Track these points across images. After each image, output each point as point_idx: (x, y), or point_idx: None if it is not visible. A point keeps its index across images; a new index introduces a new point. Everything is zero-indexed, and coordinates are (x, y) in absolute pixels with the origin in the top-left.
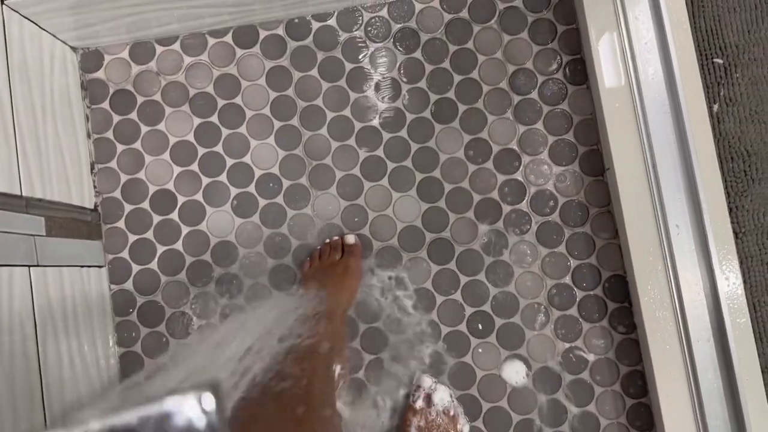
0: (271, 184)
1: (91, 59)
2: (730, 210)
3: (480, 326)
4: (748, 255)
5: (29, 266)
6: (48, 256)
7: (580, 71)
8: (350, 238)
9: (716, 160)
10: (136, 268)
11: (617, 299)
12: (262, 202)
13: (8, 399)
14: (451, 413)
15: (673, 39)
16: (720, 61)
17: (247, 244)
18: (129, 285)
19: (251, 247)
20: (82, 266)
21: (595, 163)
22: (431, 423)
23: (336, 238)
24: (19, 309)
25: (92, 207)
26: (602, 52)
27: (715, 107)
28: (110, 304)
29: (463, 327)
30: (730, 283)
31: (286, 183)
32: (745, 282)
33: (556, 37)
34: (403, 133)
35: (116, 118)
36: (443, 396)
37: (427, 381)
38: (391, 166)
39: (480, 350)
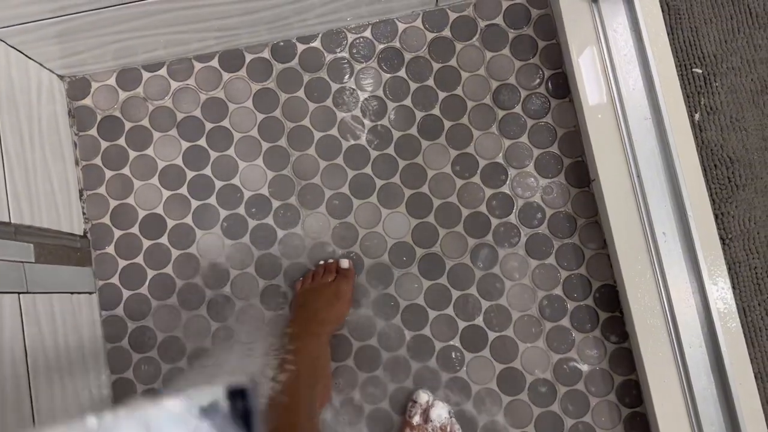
0: (253, 210)
1: (78, 86)
2: (716, 216)
3: (473, 340)
4: (735, 261)
5: (18, 293)
6: (37, 282)
7: (562, 85)
8: (344, 263)
9: (700, 168)
10: (126, 293)
11: (608, 309)
12: (252, 223)
13: None
14: (448, 430)
15: (652, 51)
16: (699, 70)
17: (238, 266)
18: (120, 311)
19: (242, 269)
20: (72, 293)
21: (580, 174)
22: None
23: (331, 261)
24: (10, 336)
25: (81, 233)
26: (583, 65)
27: (696, 116)
28: (101, 330)
29: (456, 341)
30: (719, 288)
31: (275, 203)
32: (734, 287)
33: (537, 52)
34: (391, 150)
35: (104, 144)
36: (440, 412)
37: (424, 396)
38: (379, 183)
39: (474, 364)
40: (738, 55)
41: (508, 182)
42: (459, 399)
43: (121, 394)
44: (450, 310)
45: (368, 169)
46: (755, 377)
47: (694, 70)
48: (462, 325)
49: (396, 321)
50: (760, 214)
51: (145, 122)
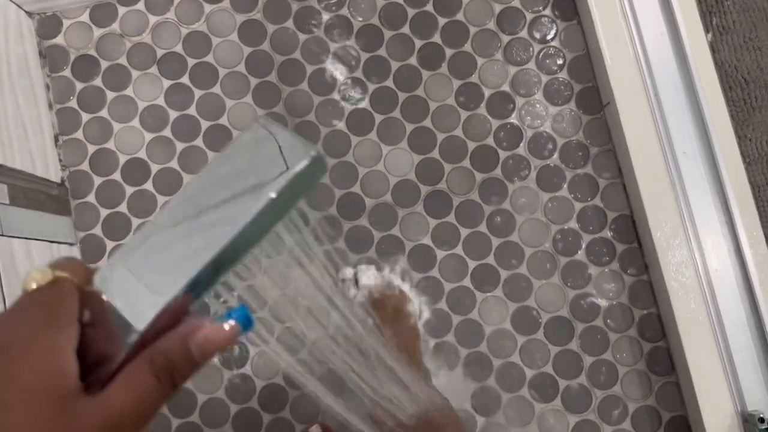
0: None
1: (48, 24)
2: None
3: (485, 279)
4: (755, 185)
5: None
6: (13, 227)
7: (570, 6)
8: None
9: (718, 85)
10: (110, 244)
11: (625, 240)
12: None
13: None
14: (397, 292)
15: None
16: None
17: None
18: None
19: None
20: (52, 242)
21: (591, 100)
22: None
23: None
24: None
25: (59, 181)
26: None
27: (709, 36)
28: None
29: (467, 282)
30: (746, 211)
31: None
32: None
33: None
34: (389, 82)
35: (79, 86)
36: (368, 274)
37: (347, 271)
38: (378, 118)
39: (487, 304)
40: None
41: (515, 112)
42: (471, 341)
43: None
44: (459, 249)
45: (365, 104)
46: None
47: None
48: (472, 264)
49: (402, 263)
50: None
51: (123, 60)
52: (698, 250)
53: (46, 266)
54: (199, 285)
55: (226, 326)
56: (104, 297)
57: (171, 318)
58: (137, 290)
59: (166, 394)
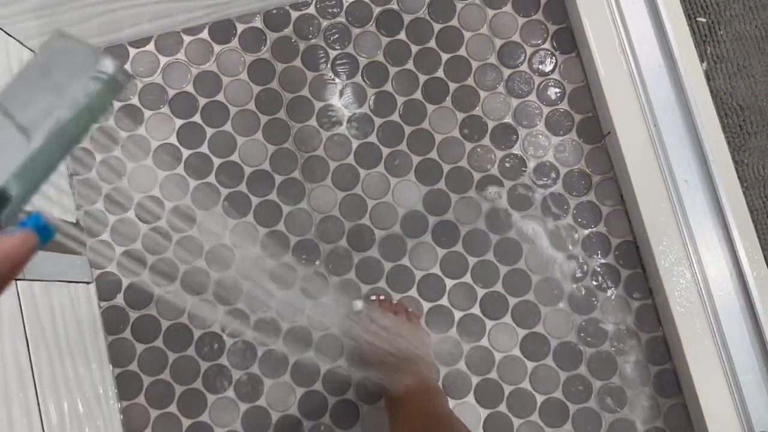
0: (255, 186)
1: None
2: None
3: (493, 307)
4: (753, 209)
5: (15, 279)
6: (32, 270)
7: (568, 39)
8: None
9: (715, 113)
10: (126, 281)
11: (630, 266)
12: (255, 200)
13: (4, 415)
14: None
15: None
16: (703, 20)
17: (242, 247)
18: (120, 300)
19: (246, 249)
20: (69, 282)
21: (592, 130)
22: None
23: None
24: (9, 325)
25: (74, 221)
26: (588, 18)
27: (704, 65)
28: (101, 322)
29: (476, 309)
30: (745, 234)
31: (278, 178)
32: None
33: (540, 7)
34: (395, 116)
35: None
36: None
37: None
38: (386, 151)
39: (496, 331)
40: (740, 2)
41: (518, 142)
42: (481, 371)
43: (126, 388)
44: (468, 278)
45: (373, 138)
46: None
47: (698, 19)
48: (481, 292)
49: (412, 292)
50: None
51: (135, 101)
52: (701, 275)
53: None
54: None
55: (18, 235)
56: None
57: None
58: None
59: None
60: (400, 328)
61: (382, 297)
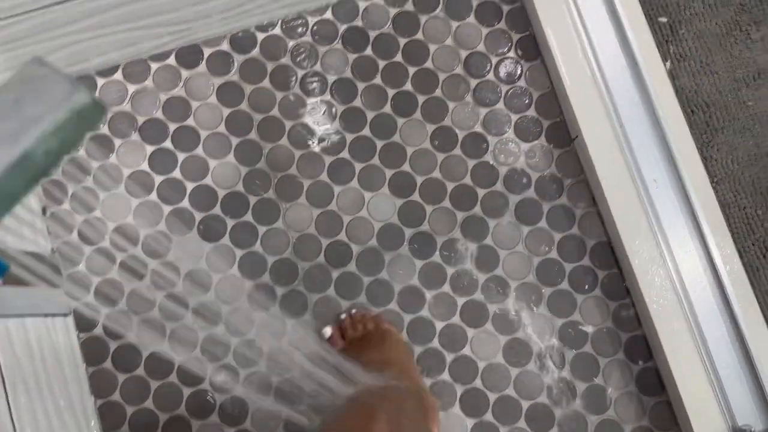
0: (229, 208)
1: None
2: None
3: (473, 315)
4: (724, 203)
5: None
6: (5, 305)
7: (532, 47)
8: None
9: (680, 111)
10: (105, 310)
11: (605, 267)
12: (230, 222)
13: None
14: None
15: (620, 1)
16: (664, 19)
17: (219, 270)
18: (99, 330)
19: (224, 273)
20: (46, 315)
21: (560, 134)
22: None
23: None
24: None
25: (49, 253)
26: (550, 25)
27: (668, 65)
28: (80, 354)
29: (456, 320)
30: (717, 229)
31: (252, 199)
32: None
33: (502, 17)
34: (366, 131)
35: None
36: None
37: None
38: (358, 166)
39: (477, 340)
40: (700, 0)
41: (489, 151)
42: (465, 378)
43: (109, 419)
44: (447, 287)
45: (345, 154)
46: (762, 313)
47: (659, 19)
48: (461, 301)
49: (393, 305)
50: (742, 154)
51: (104, 129)
52: (675, 272)
53: None
54: None
55: None
56: None
57: None
58: None
59: None
60: (368, 337)
61: (354, 311)
